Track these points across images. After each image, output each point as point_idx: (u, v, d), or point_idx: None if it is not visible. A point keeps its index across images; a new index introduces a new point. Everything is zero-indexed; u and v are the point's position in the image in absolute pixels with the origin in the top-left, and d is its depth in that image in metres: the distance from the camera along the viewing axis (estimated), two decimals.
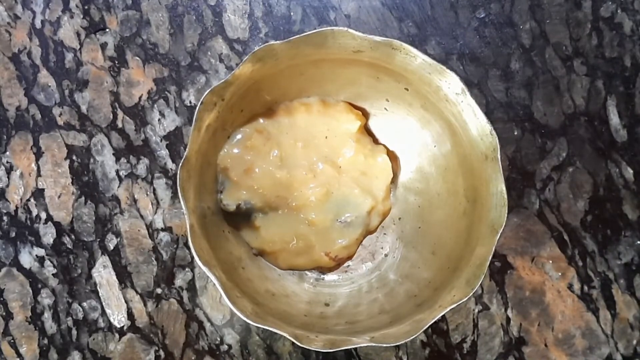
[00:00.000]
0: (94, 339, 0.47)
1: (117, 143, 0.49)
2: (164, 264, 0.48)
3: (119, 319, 0.47)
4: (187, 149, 0.40)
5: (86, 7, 0.51)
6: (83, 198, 0.49)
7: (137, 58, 0.50)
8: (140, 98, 0.50)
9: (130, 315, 0.47)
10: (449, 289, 0.41)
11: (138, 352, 0.47)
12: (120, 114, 0.50)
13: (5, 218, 0.49)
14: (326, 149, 0.47)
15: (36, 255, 0.48)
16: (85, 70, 0.50)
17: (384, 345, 0.38)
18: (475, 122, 0.41)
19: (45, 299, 0.48)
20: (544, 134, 0.49)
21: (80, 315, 0.47)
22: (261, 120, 0.46)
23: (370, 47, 0.41)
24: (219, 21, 0.50)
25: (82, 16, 0.51)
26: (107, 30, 0.50)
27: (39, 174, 0.49)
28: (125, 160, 0.49)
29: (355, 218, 0.47)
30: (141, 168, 0.49)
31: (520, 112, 0.49)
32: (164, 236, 0.48)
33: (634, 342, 0.47)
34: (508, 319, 0.47)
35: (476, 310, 0.47)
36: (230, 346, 0.47)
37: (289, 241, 0.46)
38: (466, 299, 0.38)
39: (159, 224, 0.48)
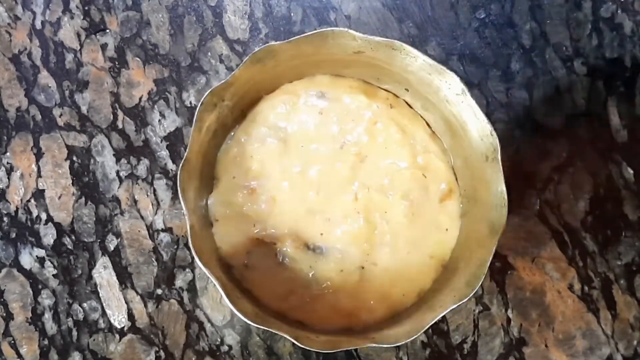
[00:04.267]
0: (94, 340, 0.47)
1: (117, 144, 0.49)
2: (165, 265, 0.48)
3: (119, 319, 0.47)
4: (187, 150, 0.40)
5: (86, 8, 0.51)
6: (83, 199, 0.49)
7: (138, 59, 0.50)
8: (140, 99, 0.50)
9: (130, 316, 0.47)
10: (450, 289, 0.41)
11: (138, 353, 0.47)
12: (120, 114, 0.50)
13: (5, 219, 0.49)
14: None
15: (36, 256, 0.48)
16: (85, 71, 0.50)
17: (385, 345, 0.38)
18: (476, 122, 0.41)
19: (46, 299, 0.48)
20: (545, 135, 0.49)
21: (81, 316, 0.47)
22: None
23: (371, 47, 0.41)
24: (219, 22, 0.50)
25: (82, 17, 0.51)
26: (108, 31, 0.51)
27: (39, 175, 0.49)
28: (126, 161, 0.49)
29: None
30: (141, 169, 0.49)
31: (521, 113, 0.49)
32: (165, 237, 0.48)
33: (635, 342, 0.47)
34: (508, 320, 0.47)
35: (476, 311, 0.47)
36: (230, 347, 0.47)
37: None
38: (466, 299, 0.38)
39: (159, 224, 0.48)
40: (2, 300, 0.48)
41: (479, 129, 0.41)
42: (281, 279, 0.43)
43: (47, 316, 0.48)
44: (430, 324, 0.38)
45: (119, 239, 0.48)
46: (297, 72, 0.45)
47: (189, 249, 0.48)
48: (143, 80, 0.50)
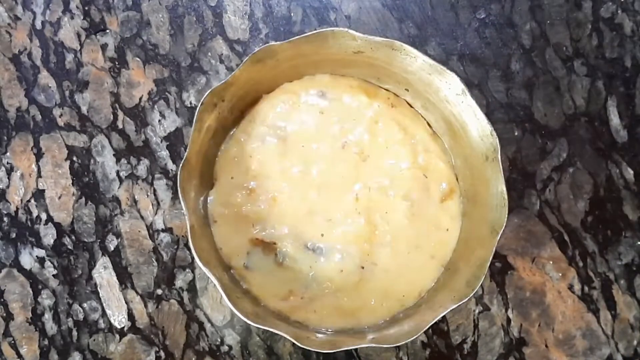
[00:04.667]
0: (94, 340, 0.47)
1: (117, 144, 0.49)
2: (165, 265, 0.48)
3: (119, 319, 0.47)
4: (187, 150, 0.40)
5: (86, 8, 0.51)
6: (83, 199, 0.49)
7: (138, 59, 0.50)
8: (140, 99, 0.50)
9: (130, 316, 0.47)
10: (450, 289, 0.41)
11: (138, 353, 0.47)
12: (120, 114, 0.50)
13: (5, 219, 0.49)
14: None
15: (37, 256, 0.48)
16: (85, 71, 0.50)
17: (385, 345, 0.38)
18: (476, 122, 0.41)
19: (46, 299, 0.48)
20: (545, 135, 0.49)
21: (81, 316, 0.47)
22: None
23: (371, 47, 0.41)
24: (219, 22, 0.50)
25: (82, 17, 0.51)
26: (108, 31, 0.50)
27: (39, 175, 0.49)
28: (126, 161, 0.49)
29: None
30: (141, 169, 0.49)
31: (521, 113, 0.49)
32: (165, 237, 0.48)
33: (635, 342, 0.47)
34: (508, 320, 0.47)
35: (477, 311, 0.47)
36: (230, 347, 0.47)
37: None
38: (466, 299, 0.38)
39: (159, 224, 0.48)
40: (2, 300, 0.48)
41: (479, 129, 0.41)
42: (281, 279, 0.43)
43: (47, 316, 0.48)
44: (430, 324, 0.38)
45: (119, 239, 0.48)
46: (297, 72, 0.45)
47: (189, 249, 0.48)
48: (143, 80, 0.50)
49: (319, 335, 0.41)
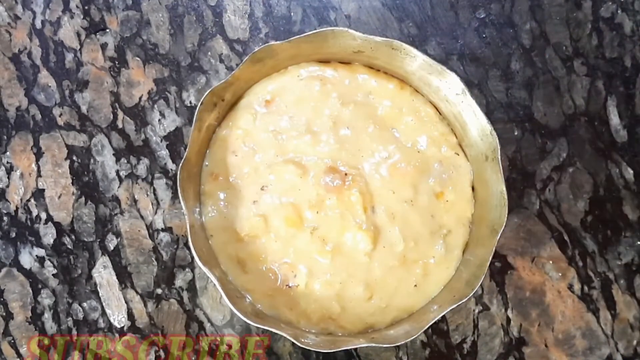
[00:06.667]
0: (94, 339, 0.47)
1: (117, 143, 0.49)
2: (164, 264, 0.48)
3: (119, 319, 0.47)
4: (187, 149, 0.40)
5: (86, 8, 0.51)
6: (83, 198, 0.49)
7: (138, 58, 0.50)
8: (140, 98, 0.50)
9: (130, 315, 0.47)
10: (449, 289, 0.41)
11: (138, 352, 0.47)
12: (120, 114, 0.50)
13: (5, 218, 0.49)
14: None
15: (36, 255, 0.48)
16: (85, 70, 0.50)
17: (385, 345, 0.38)
18: (476, 122, 0.41)
19: (46, 299, 0.48)
20: (544, 134, 0.49)
21: (81, 316, 0.47)
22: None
23: (371, 47, 0.41)
24: (219, 21, 0.50)
25: (82, 16, 0.51)
26: (108, 30, 0.50)
27: (39, 174, 0.49)
28: (126, 161, 0.49)
29: None
30: (141, 168, 0.49)
31: (521, 113, 0.49)
32: (164, 236, 0.48)
33: (634, 342, 0.47)
34: (508, 320, 0.47)
35: (476, 311, 0.47)
36: (230, 346, 0.47)
37: None
38: (466, 299, 0.38)
39: (159, 224, 0.48)
40: (2, 299, 0.48)
41: (478, 128, 0.41)
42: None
43: (47, 316, 0.48)
44: (430, 324, 0.38)
45: (119, 239, 0.48)
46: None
47: (188, 248, 0.48)
48: (143, 79, 0.50)
49: (319, 335, 0.41)
